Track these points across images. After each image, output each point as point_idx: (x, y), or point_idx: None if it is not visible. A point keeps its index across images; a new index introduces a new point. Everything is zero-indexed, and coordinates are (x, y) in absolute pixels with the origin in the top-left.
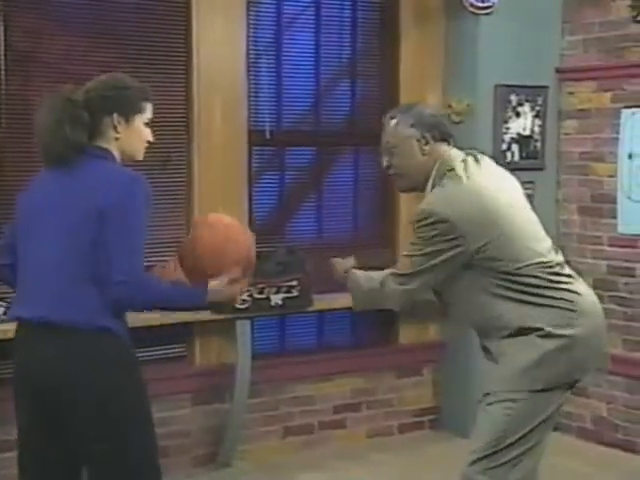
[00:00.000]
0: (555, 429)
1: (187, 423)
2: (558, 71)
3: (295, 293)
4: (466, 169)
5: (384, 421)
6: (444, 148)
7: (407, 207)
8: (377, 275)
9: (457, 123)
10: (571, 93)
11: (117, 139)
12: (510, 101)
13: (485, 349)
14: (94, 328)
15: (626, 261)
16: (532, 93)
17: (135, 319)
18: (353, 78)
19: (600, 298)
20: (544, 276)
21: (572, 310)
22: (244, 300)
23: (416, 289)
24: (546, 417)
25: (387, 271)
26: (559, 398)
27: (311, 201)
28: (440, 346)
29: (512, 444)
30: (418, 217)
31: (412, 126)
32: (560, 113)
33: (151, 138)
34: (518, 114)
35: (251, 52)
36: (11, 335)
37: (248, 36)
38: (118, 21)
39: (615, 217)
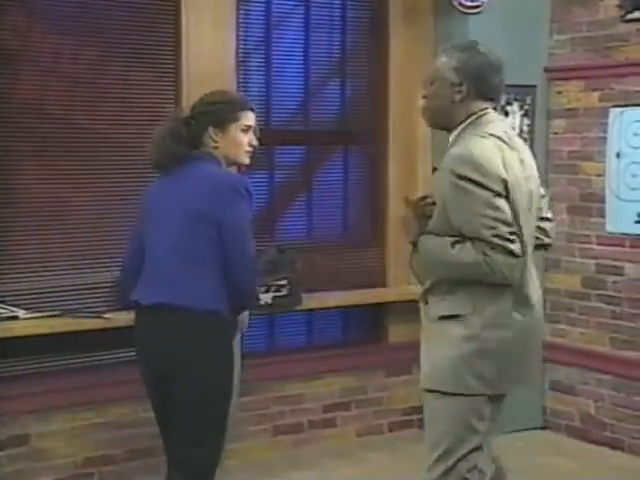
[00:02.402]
0: (543, 427)
1: None
2: (546, 70)
3: (284, 292)
4: (506, 137)
5: (374, 420)
6: (481, 106)
7: (397, 206)
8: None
9: None
10: (559, 92)
11: (216, 147)
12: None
13: (425, 301)
14: (204, 310)
15: (614, 260)
16: (521, 92)
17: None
18: (343, 77)
19: (588, 296)
20: None
21: (515, 310)
22: None
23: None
24: (486, 421)
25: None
26: (486, 408)
27: (301, 200)
28: None
29: (461, 440)
30: (459, 165)
31: (454, 70)
32: (548, 112)
33: (254, 142)
34: (507, 113)
35: (240, 51)
36: None
37: (237, 35)
38: (108, 20)
39: (603, 216)
